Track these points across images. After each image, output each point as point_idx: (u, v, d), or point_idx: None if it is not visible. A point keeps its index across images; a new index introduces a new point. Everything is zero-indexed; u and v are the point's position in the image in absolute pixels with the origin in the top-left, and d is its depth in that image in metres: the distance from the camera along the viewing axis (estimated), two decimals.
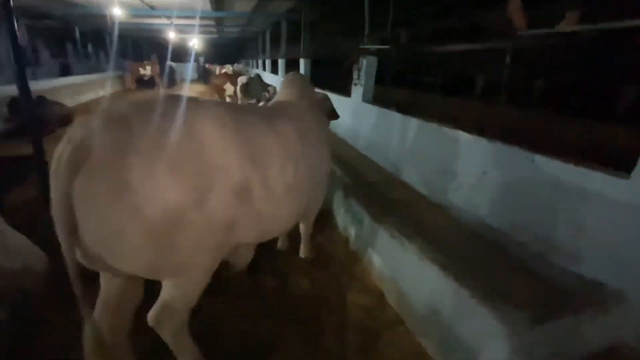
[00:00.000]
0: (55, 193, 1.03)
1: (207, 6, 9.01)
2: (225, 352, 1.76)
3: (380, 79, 4.64)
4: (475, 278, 1.69)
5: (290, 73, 2.19)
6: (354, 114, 4.94)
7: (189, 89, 14.63)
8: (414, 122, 3.30)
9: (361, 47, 4.12)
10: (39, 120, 4.11)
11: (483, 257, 2.03)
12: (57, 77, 10.57)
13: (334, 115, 2.59)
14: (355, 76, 4.68)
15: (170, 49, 13.65)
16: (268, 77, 10.84)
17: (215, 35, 19.53)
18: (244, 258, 1.90)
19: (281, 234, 1.99)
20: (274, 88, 6.86)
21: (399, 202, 2.84)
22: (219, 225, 1.28)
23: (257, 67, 15.56)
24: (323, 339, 1.88)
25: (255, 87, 7.09)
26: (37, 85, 8.30)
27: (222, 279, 2.16)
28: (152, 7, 9.18)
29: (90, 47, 16.75)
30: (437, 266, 1.81)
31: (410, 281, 2.04)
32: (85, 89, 10.71)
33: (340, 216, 3.17)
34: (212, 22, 13.12)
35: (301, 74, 2.25)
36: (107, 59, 16.39)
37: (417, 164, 3.31)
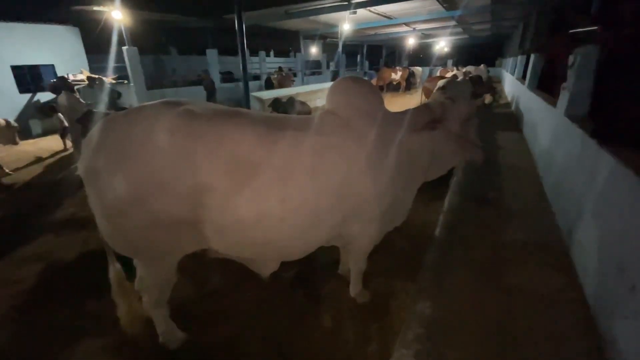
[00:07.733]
0: None
1: (439, 7, 8.68)
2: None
3: None
4: None
5: (341, 78, 1.78)
6: (553, 131, 3.28)
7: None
8: (608, 161, 1.78)
9: (571, 32, 2.56)
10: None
11: None
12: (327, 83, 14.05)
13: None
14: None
15: (406, 54, 14.24)
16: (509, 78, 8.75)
17: (465, 36, 18.34)
18: (263, 268, 1.88)
19: (292, 258, 1.78)
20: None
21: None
22: (163, 222, 1.35)
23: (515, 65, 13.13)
24: None
25: (455, 89, 6.30)
26: (301, 89, 11.46)
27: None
28: (389, 17, 10.02)
29: (360, 58, 20.39)
30: None
31: None
32: None
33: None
34: (454, 23, 12.45)
35: (357, 79, 1.74)
36: (369, 65, 19.47)
37: (593, 240, 1.82)
